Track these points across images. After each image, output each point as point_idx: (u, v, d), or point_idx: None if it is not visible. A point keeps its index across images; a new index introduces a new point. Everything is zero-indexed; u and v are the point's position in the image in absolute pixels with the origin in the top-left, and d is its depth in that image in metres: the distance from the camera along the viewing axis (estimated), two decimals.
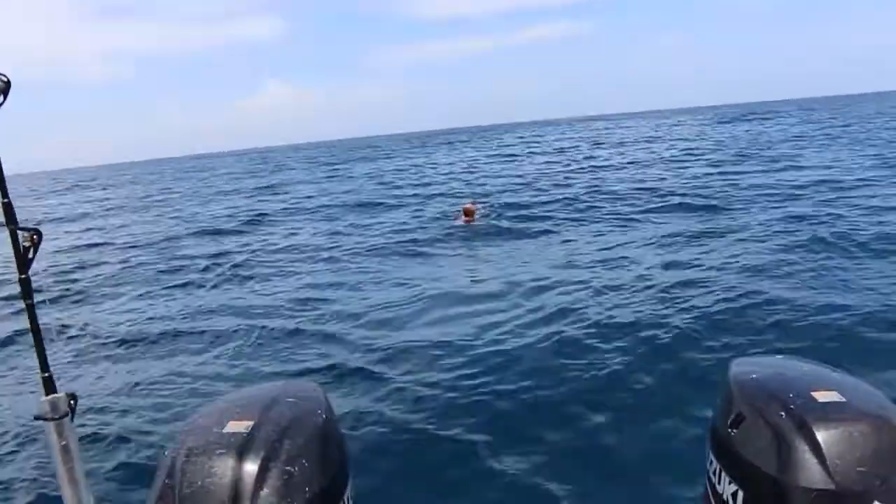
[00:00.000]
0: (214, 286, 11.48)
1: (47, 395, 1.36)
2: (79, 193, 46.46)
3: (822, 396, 1.28)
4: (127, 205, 31.06)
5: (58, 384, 1.38)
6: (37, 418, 1.36)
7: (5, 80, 1.24)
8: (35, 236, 1.32)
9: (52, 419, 1.35)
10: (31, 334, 1.38)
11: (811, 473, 1.19)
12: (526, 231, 13.61)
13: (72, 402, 1.38)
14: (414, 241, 13.32)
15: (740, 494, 1.31)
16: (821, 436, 1.21)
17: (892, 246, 9.38)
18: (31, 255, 1.33)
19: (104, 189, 47.05)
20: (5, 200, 1.30)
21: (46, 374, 1.37)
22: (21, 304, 1.37)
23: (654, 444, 4.69)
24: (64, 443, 1.36)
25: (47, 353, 1.38)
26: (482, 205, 16.33)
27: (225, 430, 1.28)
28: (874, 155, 21.41)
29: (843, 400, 1.28)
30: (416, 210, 18.30)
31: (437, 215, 16.53)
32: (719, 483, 1.38)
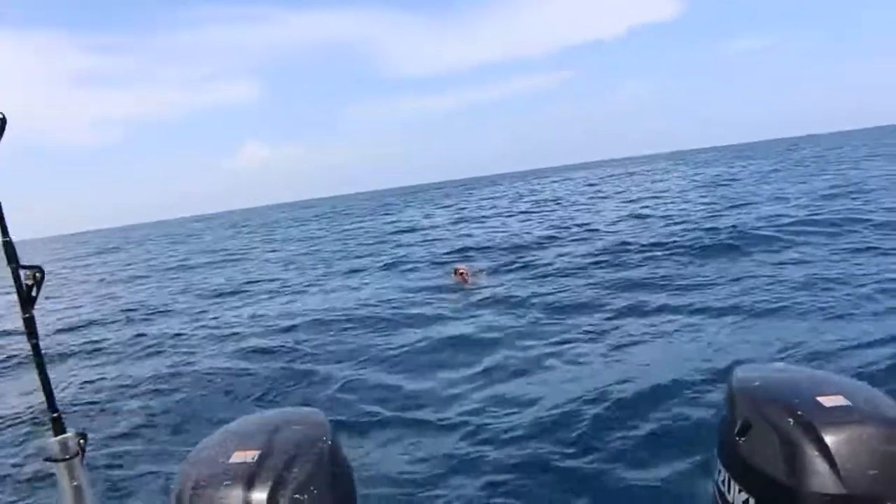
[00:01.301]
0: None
1: (56, 435, 1.33)
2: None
3: (827, 401, 1.28)
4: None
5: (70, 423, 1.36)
6: (46, 460, 1.33)
7: (1, 116, 1.24)
8: (38, 274, 1.30)
9: (62, 460, 1.32)
10: (37, 374, 1.35)
11: (822, 478, 1.19)
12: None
13: (81, 441, 1.35)
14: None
15: (751, 502, 1.30)
16: (829, 440, 1.20)
17: None
18: (34, 294, 1.31)
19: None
20: (6, 239, 1.29)
21: (55, 414, 1.35)
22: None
23: (663, 453, 4.70)
24: (75, 483, 1.33)
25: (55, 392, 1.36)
26: (473, 265, 14.37)
27: (231, 461, 1.25)
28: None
29: (849, 404, 1.27)
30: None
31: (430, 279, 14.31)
32: (729, 492, 1.36)
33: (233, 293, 16.21)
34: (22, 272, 1.30)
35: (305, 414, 1.49)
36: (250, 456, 1.26)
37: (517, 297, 10.97)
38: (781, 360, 6.20)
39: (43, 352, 1.35)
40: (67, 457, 1.33)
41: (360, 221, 41.51)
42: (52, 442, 1.33)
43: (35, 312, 1.33)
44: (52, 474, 1.35)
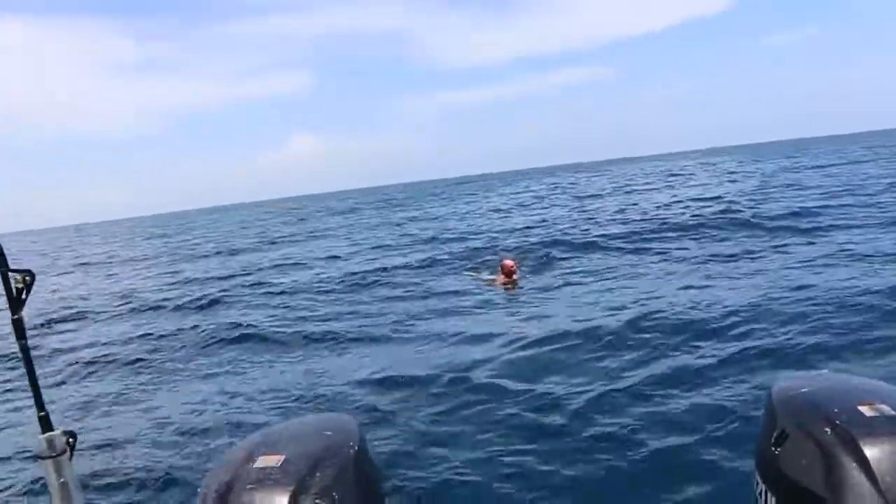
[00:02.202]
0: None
1: (44, 433, 1.37)
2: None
3: (869, 410, 1.21)
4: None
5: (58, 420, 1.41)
6: (34, 457, 1.37)
7: None
8: (27, 278, 1.34)
9: (50, 457, 1.36)
10: (26, 374, 1.40)
11: (861, 492, 1.12)
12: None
13: (70, 439, 1.38)
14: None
15: None
16: (869, 452, 1.13)
17: None
18: (23, 297, 1.35)
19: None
20: None
21: (42, 413, 1.39)
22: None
23: (702, 471, 4.60)
24: (63, 480, 1.37)
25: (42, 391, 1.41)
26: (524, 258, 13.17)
27: (255, 465, 1.27)
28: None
29: (893, 413, 1.20)
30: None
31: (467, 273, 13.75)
32: None
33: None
34: (12, 275, 1.34)
35: (336, 420, 1.50)
36: (274, 461, 1.27)
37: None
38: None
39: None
40: (54, 454, 1.37)
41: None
42: (39, 439, 1.37)
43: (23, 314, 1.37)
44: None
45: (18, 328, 1.36)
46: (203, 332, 10.79)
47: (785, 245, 12.66)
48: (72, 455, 1.38)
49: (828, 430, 1.19)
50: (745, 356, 6.59)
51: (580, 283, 11.67)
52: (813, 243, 12.50)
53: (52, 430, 1.37)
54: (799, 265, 10.66)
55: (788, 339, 6.95)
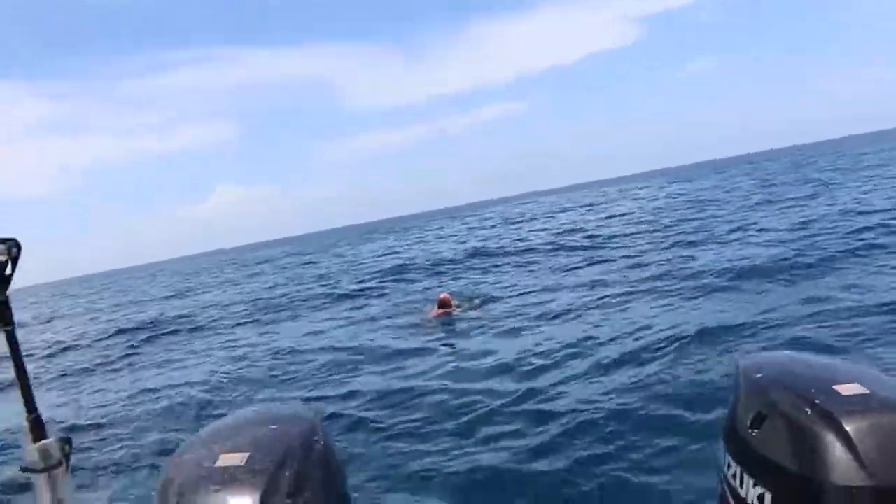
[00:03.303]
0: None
1: (35, 441, 1.17)
2: None
3: (845, 389, 1.22)
4: None
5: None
6: (24, 470, 1.17)
7: None
8: (14, 249, 1.10)
9: (42, 470, 1.16)
10: (13, 369, 1.16)
11: (846, 470, 1.12)
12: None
13: (65, 447, 1.19)
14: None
15: (767, 497, 1.23)
16: (851, 430, 1.14)
17: None
18: (9, 271, 1.11)
19: None
20: None
21: (32, 416, 1.18)
22: None
23: (663, 456, 4.70)
24: (58, 496, 1.18)
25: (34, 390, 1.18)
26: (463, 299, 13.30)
27: (217, 464, 1.15)
28: None
29: (868, 391, 1.21)
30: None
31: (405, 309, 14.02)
32: (741, 486, 1.30)
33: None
34: None
35: (295, 411, 1.40)
36: (238, 458, 1.15)
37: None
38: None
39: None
40: (48, 466, 1.16)
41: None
42: (30, 449, 1.16)
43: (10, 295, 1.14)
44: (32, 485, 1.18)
45: (3, 311, 1.13)
46: None
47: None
48: (68, 466, 1.19)
49: (808, 410, 1.20)
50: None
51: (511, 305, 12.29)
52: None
53: (45, 437, 1.17)
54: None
55: None
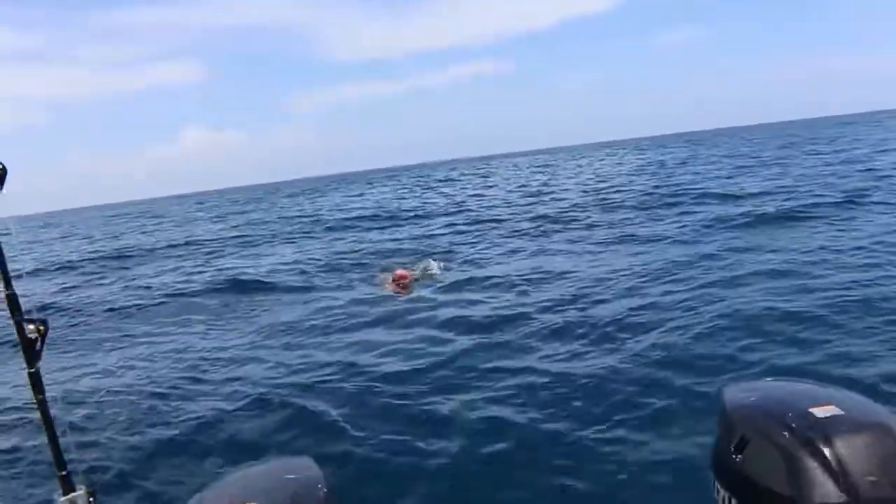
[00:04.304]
0: None
1: (65, 494, 1.28)
2: None
3: (820, 412, 1.30)
4: None
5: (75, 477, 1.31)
6: None
7: (1, 166, 1.24)
8: (42, 327, 1.25)
9: None
10: (44, 431, 1.30)
11: (825, 489, 1.20)
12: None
13: (91, 499, 1.30)
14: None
15: None
16: (827, 451, 1.22)
17: None
18: (38, 347, 1.25)
19: None
20: (9, 292, 1.25)
21: (64, 472, 1.29)
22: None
23: (655, 478, 4.64)
24: None
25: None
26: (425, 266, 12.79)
27: None
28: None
29: (842, 413, 1.29)
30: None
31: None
32: None
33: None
34: (26, 325, 1.24)
35: (298, 463, 1.50)
36: None
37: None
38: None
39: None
40: None
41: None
42: (61, 501, 1.28)
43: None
44: None
45: (36, 381, 1.27)
46: None
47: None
48: None
49: (786, 433, 1.27)
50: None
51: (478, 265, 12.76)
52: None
53: (73, 490, 1.28)
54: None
55: None
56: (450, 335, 8.23)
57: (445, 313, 9.36)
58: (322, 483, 1.38)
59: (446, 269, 12.82)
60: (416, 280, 11.84)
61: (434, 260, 13.28)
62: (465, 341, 7.85)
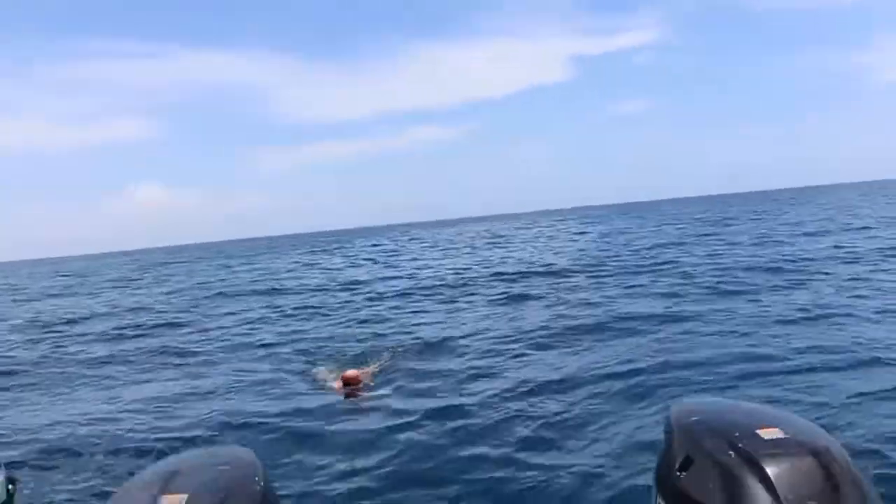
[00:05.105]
0: None
1: None
2: None
3: (766, 433, 1.30)
4: None
5: None
6: None
7: None
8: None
9: None
10: None
11: None
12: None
13: (10, 486, 1.17)
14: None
15: None
16: (770, 471, 1.22)
17: None
18: None
19: None
20: None
21: None
22: None
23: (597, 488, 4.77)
24: None
25: None
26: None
27: None
28: None
29: (786, 436, 1.30)
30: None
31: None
32: None
33: None
34: None
35: (234, 453, 1.41)
36: (177, 500, 1.16)
37: None
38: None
39: None
40: None
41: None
42: None
43: None
44: None
45: None
46: None
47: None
48: None
49: (731, 453, 1.27)
50: None
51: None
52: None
53: None
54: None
55: None
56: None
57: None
58: (260, 476, 1.29)
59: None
60: (371, 381, 9.34)
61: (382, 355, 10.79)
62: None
